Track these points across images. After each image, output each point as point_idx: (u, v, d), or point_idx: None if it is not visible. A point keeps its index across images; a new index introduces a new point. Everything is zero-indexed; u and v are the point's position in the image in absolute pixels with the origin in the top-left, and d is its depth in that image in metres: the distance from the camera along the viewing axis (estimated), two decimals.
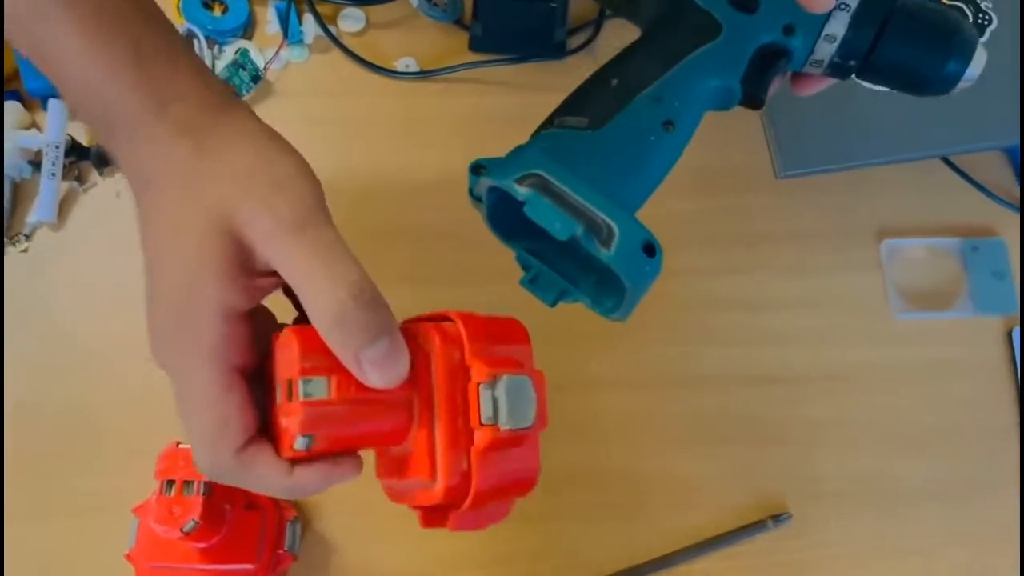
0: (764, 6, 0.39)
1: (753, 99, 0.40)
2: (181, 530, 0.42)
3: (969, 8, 0.58)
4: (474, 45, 0.63)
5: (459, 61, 0.63)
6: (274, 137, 0.34)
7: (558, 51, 0.63)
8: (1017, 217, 0.61)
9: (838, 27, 0.38)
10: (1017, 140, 0.59)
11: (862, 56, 0.39)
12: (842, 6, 0.38)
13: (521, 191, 0.35)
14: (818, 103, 0.53)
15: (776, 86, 0.42)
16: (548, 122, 0.38)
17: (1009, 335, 0.58)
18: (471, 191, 0.38)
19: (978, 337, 0.59)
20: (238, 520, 0.47)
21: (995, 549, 0.55)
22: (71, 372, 0.55)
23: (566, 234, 0.34)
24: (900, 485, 0.56)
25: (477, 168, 0.36)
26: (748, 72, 0.39)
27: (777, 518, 0.54)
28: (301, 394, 0.30)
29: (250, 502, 0.49)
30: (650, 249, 0.35)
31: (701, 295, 0.59)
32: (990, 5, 0.58)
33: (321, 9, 0.63)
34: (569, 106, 0.38)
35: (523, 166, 0.35)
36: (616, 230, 0.34)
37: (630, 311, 0.37)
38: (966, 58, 0.39)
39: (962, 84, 0.39)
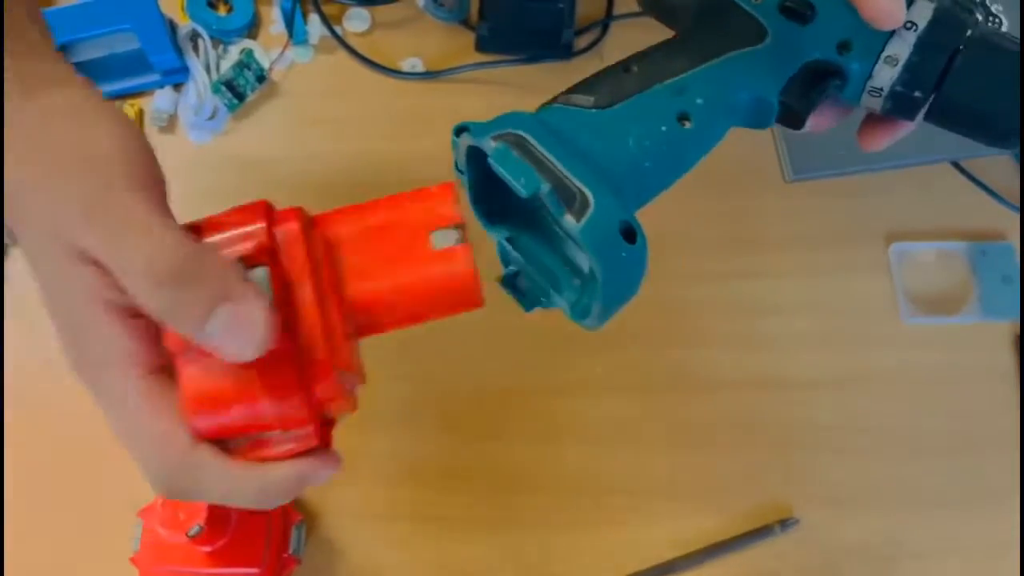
0: (821, 18, 0.35)
1: (793, 115, 0.36)
2: (187, 534, 0.42)
3: (979, 11, 0.57)
4: (480, 46, 0.63)
5: (465, 62, 0.62)
6: (76, 113, 0.29)
7: (565, 52, 0.63)
8: None
9: (902, 47, 0.33)
10: None
11: (930, 87, 0.34)
12: (908, 24, 0.33)
13: (492, 144, 0.31)
14: None
15: (830, 119, 0.38)
16: (552, 99, 0.35)
17: (1017, 340, 0.58)
18: (456, 163, 0.35)
19: (987, 342, 0.59)
20: (243, 523, 0.47)
21: (1004, 556, 0.55)
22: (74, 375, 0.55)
23: (529, 190, 0.30)
24: (909, 490, 0.56)
25: (460, 130, 0.33)
26: (790, 86, 0.35)
27: (784, 523, 0.53)
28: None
29: None
30: (630, 234, 0.30)
31: (709, 298, 0.58)
32: (1000, 8, 0.57)
33: (326, 9, 0.62)
34: (579, 85, 0.35)
35: (506, 125, 0.32)
36: (592, 201, 0.30)
37: (608, 314, 0.32)
38: None
39: None
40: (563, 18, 0.62)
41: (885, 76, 0.34)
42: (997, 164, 0.62)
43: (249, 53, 0.60)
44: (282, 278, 0.28)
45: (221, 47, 0.62)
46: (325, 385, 0.28)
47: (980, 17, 0.34)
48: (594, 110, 0.33)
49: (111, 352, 0.28)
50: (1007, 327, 0.59)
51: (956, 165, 0.61)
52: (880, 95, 0.35)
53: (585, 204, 0.30)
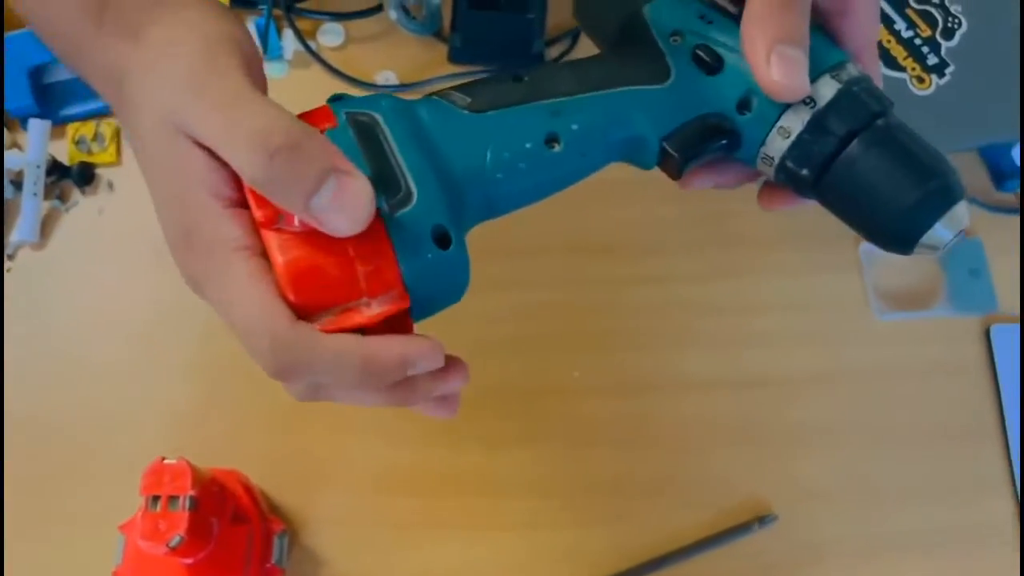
0: (727, 73, 0.33)
1: (672, 163, 0.33)
2: (167, 545, 0.42)
3: (939, 12, 0.59)
4: (453, 57, 0.64)
5: (439, 73, 0.63)
6: (183, 5, 0.31)
7: (536, 61, 0.64)
8: (992, 216, 0.62)
9: (795, 121, 0.31)
10: (991, 141, 0.60)
11: (817, 168, 0.32)
12: (807, 100, 0.31)
13: (340, 120, 0.31)
14: None
15: (735, 178, 0.36)
16: (436, 92, 0.34)
17: (986, 332, 0.59)
18: None
19: (957, 335, 0.60)
20: (225, 534, 0.47)
21: (981, 547, 0.56)
22: (56, 390, 0.55)
23: None
24: (885, 484, 0.56)
25: (335, 98, 0.32)
26: (677, 134, 0.33)
27: (763, 520, 0.54)
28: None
29: (237, 515, 0.49)
30: (443, 239, 0.30)
31: (684, 299, 0.59)
32: (960, 8, 0.59)
33: (300, 24, 0.63)
34: (466, 84, 0.34)
35: (367, 105, 0.31)
36: (415, 199, 0.29)
37: (422, 312, 0.31)
38: (936, 210, 0.30)
39: (925, 245, 0.31)
40: (533, 29, 0.63)
41: (777, 146, 0.32)
42: (962, 160, 0.63)
43: None
44: None
45: None
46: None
47: (886, 112, 0.32)
48: (465, 111, 0.32)
49: (219, 236, 0.29)
50: (976, 320, 0.60)
51: None
52: (772, 164, 0.33)
53: (407, 200, 0.29)
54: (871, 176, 0.31)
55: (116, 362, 0.56)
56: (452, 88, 0.34)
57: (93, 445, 0.54)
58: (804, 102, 0.31)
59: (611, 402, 0.57)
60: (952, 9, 0.59)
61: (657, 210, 0.61)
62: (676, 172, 0.34)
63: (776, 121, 0.32)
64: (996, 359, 0.58)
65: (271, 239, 0.29)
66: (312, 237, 0.28)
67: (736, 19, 0.32)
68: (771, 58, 0.30)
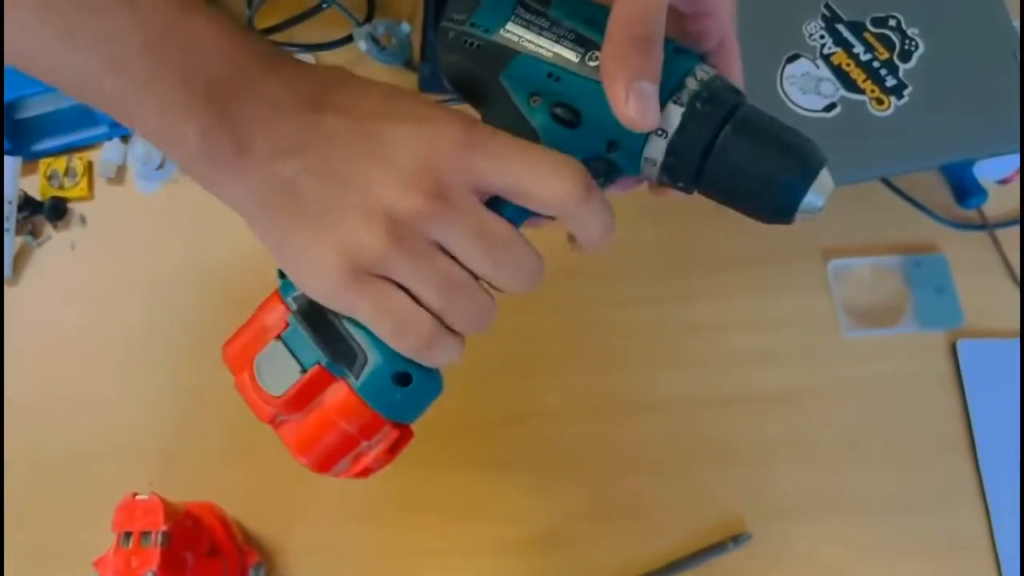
0: (586, 124, 0.35)
1: None
2: None
3: (896, 35, 0.60)
4: (424, 86, 0.65)
5: None
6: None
7: None
8: (956, 233, 0.63)
9: (656, 151, 0.34)
10: (951, 159, 0.61)
11: (691, 181, 0.35)
12: (659, 132, 0.34)
13: (290, 309, 0.35)
14: None
15: (627, 185, 0.39)
16: None
17: (953, 348, 0.60)
18: None
19: (924, 351, 0.60)
20: (200, 568, 0.47)
21: (952, 560, 0.56)
22: (27, 425, 0.55)
23: (308, 365, 0.34)
24: (857, 500, 0.57)
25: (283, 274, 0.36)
26: None
27: (737, 539, 0.54)
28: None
29: (213, 548, 0.49)
30: (404, 378, 0.34)
31: (653, 321, 0.60)
32: (916, 31, 0.60)
33: None
34: None
35: None
36: (370, 360, 0.34)
37: (414, 415, 0.37)
38: (806, 180, 0.33)
39: (803, 211, 0.34)
40: None
41: (650, 172, 0.35)
42: (924, 179, 0.64)
43: None
44: None
45: None
46: None
47: (740, 104, 0.34)
48: None
49: None
50: (942, 336, 0.61)
51: (885, 182, 0.63)
52: (655, 181, 0.36)
53: (365, 362, 0.34)
54: (741, 169, 0.34)
55: (88, 397, 0.56)
56: None
57: (66, 482, 0.54)
58: (656, 133, 0.34)
59: (582, 424, 0.57)
60: (909, 32, 0.60)
61: (627, 234, 0.61)
62: None
63: (642, 153, 0.35)
64: (963, 373, 0.59)
65: (279, 431, 0.35)
66: (307, 419, 0.34)
67: (578, 70, 0.35)
68: (629, 95, 0.33)
